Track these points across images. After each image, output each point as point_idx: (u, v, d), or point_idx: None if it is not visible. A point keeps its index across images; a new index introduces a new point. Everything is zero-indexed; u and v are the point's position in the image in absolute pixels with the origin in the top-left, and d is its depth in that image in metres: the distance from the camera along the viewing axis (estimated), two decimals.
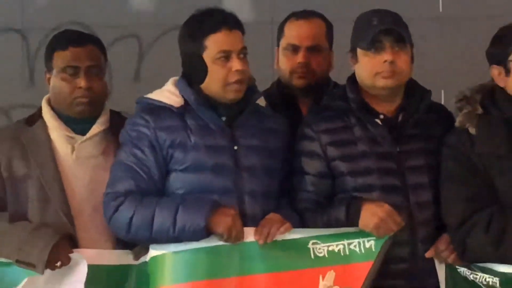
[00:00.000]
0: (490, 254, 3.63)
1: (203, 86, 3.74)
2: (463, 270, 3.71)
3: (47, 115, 3.85)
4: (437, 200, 3.73)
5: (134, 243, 3.73)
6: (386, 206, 3.64)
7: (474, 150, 3.70)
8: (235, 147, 3.74)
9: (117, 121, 3.88)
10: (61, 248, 3.65)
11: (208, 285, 3.64)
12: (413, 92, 3.83)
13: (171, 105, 3.77)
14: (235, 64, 3.68)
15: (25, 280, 3.66)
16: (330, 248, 3.67)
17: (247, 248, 3.65)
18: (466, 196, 3.67)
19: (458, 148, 3.73)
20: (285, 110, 4.04)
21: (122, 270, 3.73)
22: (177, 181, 3.70)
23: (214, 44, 3.70)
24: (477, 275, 3.68)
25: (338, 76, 4.14)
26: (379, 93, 3.78)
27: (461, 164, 3.70)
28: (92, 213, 3.76)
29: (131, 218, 3.63)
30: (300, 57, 4.18)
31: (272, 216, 3.68)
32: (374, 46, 3.73)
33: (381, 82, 3.75)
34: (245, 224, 3.65)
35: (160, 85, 3.86)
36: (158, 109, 3.77)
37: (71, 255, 3.66)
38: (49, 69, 3.86)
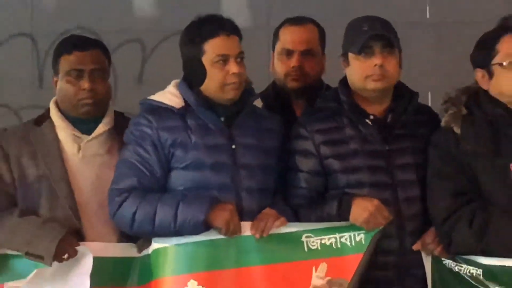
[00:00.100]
0: (474, 247, 3.63)
1: (202, 88, 3.74)
2: (448, 262, 3.71)
3: (55, 116, 3.85)
4: (424, 196, 3.74)
5: (138, 236, 3.73)
6: (376, 202, 3.65)
7: (459, 148, 3.70)
8: (233, 146, 3.74)
9: (121, 121, 3.88)
10: (68, 241, 3.65)
11: (207, 276, 3.64)
12: (401, 94, 3.84)
13: (173, 106, 3.76)
14: (232, 67, 3.68)
15: (34, 271, 3.65)
16: (323, 241, 3.67)
17: (244, 241, 3.65)
18: (451, 192, 3.67)
19: (444, 146, 3.73)
20: (280, 111, 4.03)
21: (126, 262, 3.73)
22: (178, 178, 3.70)
23: (212, 48, 3.71)
24: (461, 266, 3.69)
25: (330, 78, 4.14)
26: (370, 95, 3.78)
27: (447, 162, 3.71)
28: (98, 208, 3.76)
29: (135, 213, 3.64)
30: (294, 61, 4.18)
31: (267, 211, 3.68)
32: (364, 50, 3.73)
33: (371, 85, 3.75)
34: (242, 219, 3.66)
35: (162, 87, 3.86)
36: (160, 110, 3.77)
37: (77, 248, 3.65)
38: (56, 72, 3.86)
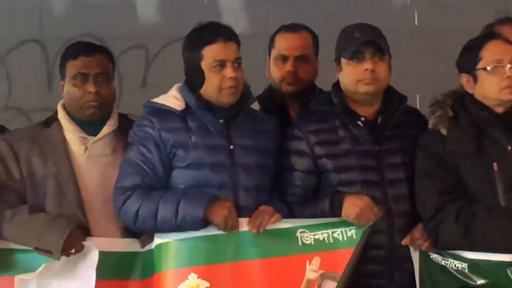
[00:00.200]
0: (459, 242, 3.64)
1: (201, 91, 3.74)
2: (435, 257, 3.71)
3: (62, 118, 3.84)
4: (412, 194, 3.74)
5: (141, 232, 3.73)
6: (366, 199, 3.65)
7: (445, 149, 3.71)
8: (231, 147, 3.74)
9: (125, 123, 3.88)
10: (75, 237, 3.65)
11: (206, 269, 3.65)
12: (391, 97, 3.84)
13: (175, 109, 3.77)
14: (229, 72, 3.68)
15: (43, 265, 3.65)
16: (316, 236, 3.67)
17: (242, 236, 3.66)
18: (438, 190, 3.68)
19: (431, 147, 3.74)
20: (275, 113, 4.03)
21: (130, 257, 3.73)
22: (179, 177, 3.70)
23: (210, 54, 3.71)
24: (448, 261, 3.68)
25: (323, 82, 4.15)
26: (361, 98, 3.79)
27: (434, 162, 3.71)
28: (103, 205, 3.75)
29: (138, 210, 3.64)
30: (289, 66, 4.19)
31: (264, 208, 3.68)
32: (356, 56, 3.74)
33: (363, 88, 3.75)
34: (240, 215, 3.66)
35: (165, 90, 3.87)
36: (163, 112, 3.77)
37: (84, 243, 3.66)
38: (63, 76, 3.86)
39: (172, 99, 3.80)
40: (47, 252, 3.64)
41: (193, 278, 3.63)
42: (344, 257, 3.65)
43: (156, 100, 3.82)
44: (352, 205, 3.64)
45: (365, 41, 3.73)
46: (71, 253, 3.65)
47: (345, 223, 3.67)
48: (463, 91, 3.79)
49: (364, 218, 3.64)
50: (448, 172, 3.68)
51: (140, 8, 5.98)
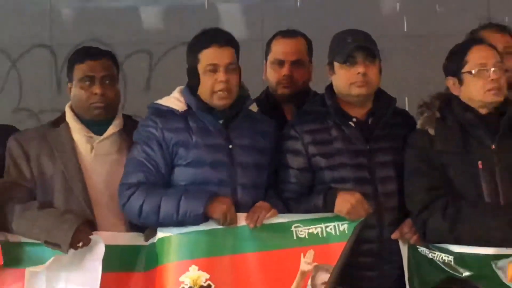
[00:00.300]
0: (446, 236, 3.64)
1: (199, 93, 3.74)
2: (423, 250, 3.71)
3: (70, 118, 3.85)
4: (401, 191, 3.74)
5: (144, 226, 3.73)
6: (358, 195, 3.65)
7: (433, 148, 3.71)
8: (230, 146, 3.74)
9: (129, 123, 3.88)
10: (82, 231, 3.65)
11: (206, 261, 3.65)
12: (381, 99, 3.84)
13: (177, 110, 3.77)
14: (220, 75, 3.68)
15: (52, 258, 3.65)
16: (310, 231, 3.67)
17: (240, 231, 3.65)
18: (426, 187, 3.68)
19: (419, 146, 3.74)
20: (272, 114, 4.02)
21: (134, 250, 3.73)
22: (181, 175, 3.70)
23: (204, 57, 3.71)
24: (435, 254, 3.68)
25: (317, 85, 4.16)
26: (353, 100, 3.79)
27: (422, 160, 3.72)
28: (109, 201, 3.75)
29: (142, 205, 3.64)
30: (285, 70, 4.18)
31: (260, 204, 3.69)
32: (349, 60, 3.74)
33: (355, 91, 3.75)
34: (238, 211, 3.66)
35: (167, 93, 3.87)
36: (166, 113, 3.77)
37: (91, 237, 3.66)
38: (70, 80, 3.87)
39: (175, 100, 3.80)
40: (56, 245, 3.64)
41: (194, 270, 3.63)
42: (337, 250, 3.65)
43: (159, 101, 3.83)
44: (344, 201, 3.64)
45: (357, 46, 3.73)
46: (79, 246, 3.64)
47: (338, 218, 3.67)
48: (450, 94, 3.79)
49: (355, 213, 3.64)
50: (436, 170, 3.68)
51: (144, 15, 5.97)
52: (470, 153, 3.68)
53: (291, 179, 3.78)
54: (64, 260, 3.66)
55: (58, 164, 3.77)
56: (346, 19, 5.04)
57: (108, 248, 3.63)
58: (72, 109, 3.87)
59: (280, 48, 4.21)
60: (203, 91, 3.73)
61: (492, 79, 3.68)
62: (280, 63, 4.19)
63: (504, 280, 3.58)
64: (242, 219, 3.66)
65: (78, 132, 3.82)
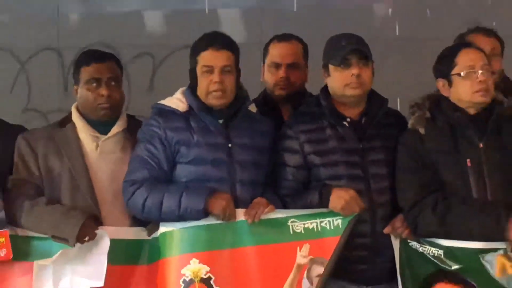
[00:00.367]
0: (436, 231, 3.65)
1: (197, 93, 3.76)
2: (414, 244, 3.71)
3: (76, 118, 3.85)
4: (393, 187, 3.74)
5: (148, 221, 3.73)
6: (351, 191, 3.66)
7: (423, 147, 3.72)
8: (230, 145, 3.74)
9: (133, 123, 3.88)
10: (88, 226, 3.65)
11: (207, 255, 3.65)
12: (373, 100, 3.84)
13: (179, 110, 3.77)
14: (215, 77, 3.69)
15: (59, 252, 3.65)
16: (306, 225, 3.68)
17: (239, 225, 3.66)
18: (417, 183, 3.68)
19: (410, 145, 3.75)
20: (269, 115, 4.02)
21: (138, 244, 3.74)
22: (182, 172, 3.71)
23: (201, 60, 3.73)
24: (425, 248, 3.69)
25: (313, 87, 4.16)
26: (348, 100, 3.79)
27: (413, 158, 3.72)
28: (114, 197, 3.75)
29: (145, 201, 3.64)
30: (281, 73, 4.18)
31: (258, 200, 3.69)
32: (343, 62, 3.74)
33: (350, 92, 3.76)
34: (237, 206, 3.66)
35: (170, 94, 3.87)
36: (168, 113, 3.78)
37: (96, 231, 3.66)
38: (77, 81, 3.87)
39: (177, 101, 3.80)
40: (63, 239, 3.65)
41: (194, 263, 3.64)
42: (331, 244, 3.65)
43: (162, 102, 3.83)
44: (339, 197, 3.65)
45: (351, 49, 3.73)
46: (85, 240, 3.65)
47: (332, 214, 3.67)
48: (439, 95, 3.79)
49: (349, 209, 3.65)
50: (426, 168, 3.69)
51: (148, 19, 5.96)
52: (459, 152, 3.68)
53: (288, 176, 3.78)
54: (71, 253, 3.67)
55: (65, 162, 3.77)
56: (340, 23, 5.02)
57: (113, 242, 3.64)
58: (78, 110, 3.87)
59: (277, 52, 4.22)
60: (200, 91, 3.74)
61: (480, 81, 3.68)
62: (277, 65, 4.20)
63: (492, 273, 3.59)
64: (240, 215, 3.66)
65: (84, 132, 3.82)
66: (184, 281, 3.64)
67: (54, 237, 3.67)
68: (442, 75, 3.77)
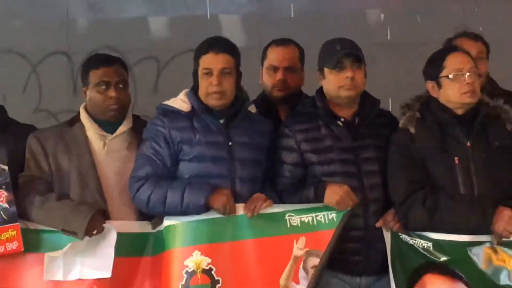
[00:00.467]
0: (426, 224, 3.65)
1: (199, 95, 3.76)
2: (404, 237, 3.71)
3: (85, 118, 3.85)
4: (384, 183, 3.74)
5: (152, 215, 3.73)
6: (345, 187, 3.66)
7: (413, 145, 3.72)
8: (230, 143, 3.74)
9: (138, 123, 3.88)
10: (96, 220, 3.66)
11: (208, 247, 3.66)
12: (366, 101, 3.84)
13: (182, 110, 3.78)
14: (213, 79, 3.69)
15: (69, 244, 3.66)
16: (302, 219, 3.68)
17: (238, 219, 3.66)
18: (407, 180, 3.68)
19: (401, 143, 3.75)
20: (268, 115, 4.02)
21: (143, 237, 3.74)
22: (185, 169, 3.71)
23: (202, 62, 3.73)
24: (415, 240, 3.69)
25: (309, 89, 4.16)
26: (342, 101, 3.79)
27: (404, 156, 3.72)
28: (120, 193, 3.76)
29: (149, 196, 3.65)
30: (279, 75, 4.18)
31: (257, 195, 3.69)
32: (338, 66, 3.74)
33: (344, 93, 3.76)
34: (237, 201, 3.67)
35: (173, 95, 3.86)
36: (172, 113, 3.78)
37: (104, 225, 3.66)
38: (85, 84, 3.87)
39: (180, 102, 3.81)
40: (73, 233, 3.65)
41: (196, 254, 3.64)
42: (326, 237, 3.65)
43: (167, 102, 3.83)
44: (333, 193, 3.65)
45: (345, 53, 3.73)
46: (93, 234, 3.65)
47: (327, 208, 3.67)
48: (429, 96, 3.79)
49: (343, 203, 3.65)
50: (416, 165, 3.69)
51: (152, 25, 5.95)
52: (447, 150, 3.68)
53: (285, 173, 3.78)
54: (80, 246, 3.67)
55: (73, 160, 3.77)
56: (335, 28, 5.02)
57: (120, 235, 3.65)
58: (86, 110, 3.87)
59: (275, 55, 4.21)
60: (201, 93, 3.75)
61: (467, 83, 3.68)
62: (275, 68, 4.20)
63: (479, 265, 3.60)
64: (240, 209, 3.66)
65: (92, 131, 3.82)
66: (187, 272, 3.64)
67: (64, 231, 3.67)
68: (431, 77, 3.77)
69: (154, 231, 3.74)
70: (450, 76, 3.70)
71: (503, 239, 3.59)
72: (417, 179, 3.68)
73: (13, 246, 3.68)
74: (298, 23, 5.55)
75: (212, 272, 3.64)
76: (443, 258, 3.64)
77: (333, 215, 3.67)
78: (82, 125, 3.84)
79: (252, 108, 3.91)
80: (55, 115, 5.76)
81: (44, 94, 5.94)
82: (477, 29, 4.52)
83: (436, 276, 3.63)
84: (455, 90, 3.70)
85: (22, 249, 3.69)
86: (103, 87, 3.80)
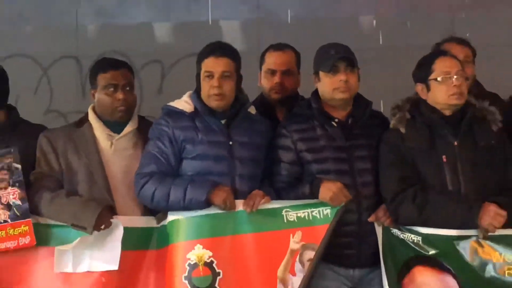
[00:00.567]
0: (415, 219, 3.66)
1: (202, 97, 3.76)
2: (395, 231, 3.72)
3: (93, 119, 3.85)
4: (376, 181, 3.74)
5: (157, 211, 3.73)
6: (339, 184, 3.66)
7: (404, 144, 3.72)
8: (231, 143, 3.74)
9: (143, 123, 3.89)
10: (104, 215, 3.66)
11: (210, 241, 3.66)
12: (359, 102, 3.84)
13: (185, 111, 3.78)
14: (214, 82, 3.70)
15: (78, 239, 3.67)
16: (298, 215, 3.68)
17: (238, 215, 3.66)
18: (398, 177, 3.69)
19: (392, 143, 3.75)
20: (266, 116, 4.01)
21: (148, 231, 3.74)
22: (188, 166, 3.71)
23: (204, 66, 3.74)
24: (405, 234, 3.69)
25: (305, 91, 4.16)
26: (336, 103, 3.79)
27: (395, 155, 3.73)
28: (127, 190, 3.76)
29: (154, 192, 3.65)
30: (276, 78, 4.17)
31: (256, 192, 3.69)
32: (332, 69, 3.74)
33: (339, 95, 3.76)
34: (236, 198, 3.67)
35: (176, 97, 3.87)
36: (176, 113, 3.78)
37: (111, 220, 3.67)
38: (93, 86, 3.87)
39: (184, 103, 3.81)
40: (82, 228, 3.66)
41: (198, 248, 3.64)
42: (321, 232, 3.65)
43: (171, 103, 3.84)
44: (328, 189, 3.65)
45: (339, 57, 3.74)
46: (101, 228, 3.66)
47: (322, 204, 3.67)
48: (418, 98, 3.80)
49: (337, 200, 3.65)
50: (406, 163, 3.69)
51: (157, 30, 5.94)
52: (436, 149, 3.69)
53: (283, 171, 3.78)
54: (89, 240, 3.68)
55: (82, 158, 3.78)
56: (329, 33, 5.01)
57: (126, 230, 3.65)
58: (94, 111, 3.87)
59: (272, 60, 4.21)
60: (203, 95, 3.75)
61: (454, 85, 3.68)
62: (273, 72, 4.19)
63: (466, 258, 3.60)
64: (240, 205, 3.67)
65: (99, 131, 3.82)
66: (189, 264, 3.64)
67: (73, 226, 3.67)
68: (420, 80, 3.78)
69: (159, 225, 3.74)
70: (439, 79, 3.70)
71: (489, 234, 3.59)
72: (407, 176, 3.68)
73: (25, 240, 3.69)
74: (295, 29, 5.53)
75: (213, 264, 3.64)
76: (432, 252, 3.64)
77: (327, 210, 3.67)
78: (90, 125, 3.84)
79: (252, 109, 3.91)
80: (64, 115, 5.75)
81: (54, 96, 5.93)
82: (464, 34, 4.52)
83: (425, 268, 3.64)
84: (443, 92, 3.70)
85: (35, 243, 3.70)
86: (111, 89, 3.80)
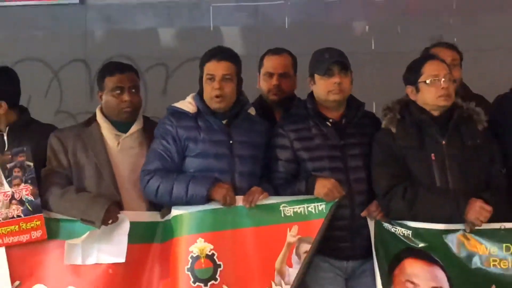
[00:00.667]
0: (405, 214, 3.66)
1: (204, 98, 3.76)
2: (386, 225, 3.72)
3: (100, 119, 3.85)
4: (369, 178, 3.74)
5: (162, 206, 3.73)
6: (333, 181, 3.66)
7: (395, 143, 3.72)
8: (231, 142, 3.75)
9: (148, 123, 3.89)
10: (112, 210, 3.66)
11: (211, 235, 3.67)
12: (352, 103, 3.84)
13: (189, 112, 3.78)
14: (215, 84, 3.70)
15: (87, 233, 3.67)
16: (295, 210, 3.68)
17: (238, 210, 3.67)
18: (389, 174, 3.69)
19: (383, 142, 3.75)
20: (264, 116, 4.01)
21: (153, 225, 3.74)
22: (190, 164, 3.72)
23: (206, 69, 3.74)
24: (396, 228, 3.69)
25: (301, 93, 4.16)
26: (330, 104, 3.79)
27: (386, 153, 3.73)
28: (133, 186, 3.76)
29: (158, 188, 3.65)
30: (274, 81, 4.18)
31: (255, 188, 3.69)
32: (327, 72, 3.74)
33: (332, 97, 3.76)
34: (236, 194, 3.67)
35: (180, 98, 3.86)
36: (180, 114, 3.78)
37: (118, 215, 3.67)
38: (101, 88, 3.87)
39: (187, 104, 3.81)
40: (91, 222, 3.66)
41: (200, 241, 3.65)
42: (316, 226, 3.66)
43: (175, 104, 3.84)
44: (322, 186, 3.65)
45: (334, 61, 3.74)
46: (109, 223, 3.66)
47: (317, 200, 3.67)
48: (408, 99, 3.80)
49: (331, 195, 3.65)
50: (397, 161, 3.70)
51: (162, 35, 5.93)
52: (425, 147, 3.69)
53: (280, 169, 3.78)
54: (97, 234, 3.68)
55: (91, 156, 3.78)
56: (324, 38, 4.99)
57: (132, 224, 3.66)
58: (101, 111, 3.87)
59: (270, 63, 4.22)
60: (205, 96, 3.75)
61: (443, 87, 3.68)
62: (270, 75, 4.20)
63: (454, 251, 3.60)
64: (239, 201, 3.67)
65: (107, 130, 3.83)
66: (191, 257, 3.65)
67: (82, 220, 3.68)
68: (410, 83, 3.77)
69: (163, 220, 3.74)
70: (427, 81, 3.70)
71: (475, 227, 3.59)
72: (397, 174, 3.68)
73: (37, 234, 3.70)
74: (292, 34, 5.53)
75: (215, 257, 3.65)
76: (421, 245, 3.64)
77: (322, 206, 3.67)
78: (98, 125, 3.84)
79: (252, 110, 3.90)
80: (74, 116, 5.74)
81: (64, 98, 5.92)
82: (452, 39, 4.52)
83: (415, 260, 3.64)
84: (432, 94, 3.70)
85: (46, 237, 3.70)
86: (118, 91, 3.80)
